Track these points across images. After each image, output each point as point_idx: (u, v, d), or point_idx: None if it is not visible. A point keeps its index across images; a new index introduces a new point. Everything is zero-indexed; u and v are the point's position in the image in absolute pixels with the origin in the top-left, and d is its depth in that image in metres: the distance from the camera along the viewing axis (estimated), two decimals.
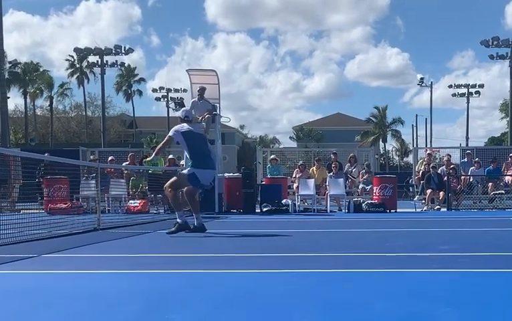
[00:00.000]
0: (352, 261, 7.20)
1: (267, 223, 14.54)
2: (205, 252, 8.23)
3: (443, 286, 5.42)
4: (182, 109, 11.59)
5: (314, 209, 19.32)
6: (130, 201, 18.57)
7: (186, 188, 10.86)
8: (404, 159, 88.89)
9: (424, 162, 22.29)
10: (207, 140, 11.46)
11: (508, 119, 57.56)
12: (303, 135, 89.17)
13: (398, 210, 19.30)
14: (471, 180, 21.27)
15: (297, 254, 7.91)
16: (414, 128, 78.84)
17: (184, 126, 10.97)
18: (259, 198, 19.75)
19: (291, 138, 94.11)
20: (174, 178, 11.19)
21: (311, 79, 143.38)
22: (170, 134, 11.11)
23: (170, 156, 21.42)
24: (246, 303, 4.71)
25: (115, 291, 5.28)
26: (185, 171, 11.19)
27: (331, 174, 20.48)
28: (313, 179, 20.22)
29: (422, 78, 69.98)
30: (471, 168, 21.77)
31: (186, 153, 11.18)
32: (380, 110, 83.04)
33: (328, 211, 19.37)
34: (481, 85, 66.46)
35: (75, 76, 79.00)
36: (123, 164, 21.33)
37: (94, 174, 13.53)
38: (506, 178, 21.51)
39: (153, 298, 4.90)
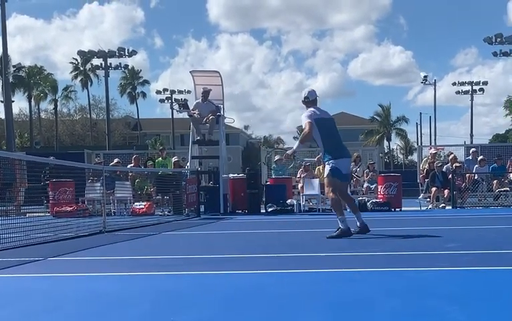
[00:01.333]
0: (359, 260, 7.20)
1: (272, 223, 14.54)
2: (212, 253, 8.23)
3: (451, 284, 5.42)
4: (308, 89, 10.09)
5: (319, 209, 19.31)
6: (136, 203, 18.60)
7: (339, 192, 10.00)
8: (409, 157, 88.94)
9: (429, 161, 22.26)
10: (335, 124, 10.23)
11: None
12: None
13: (403, 208, 19.28)
14: (476, 177, 21.23)
15: (303, 254, 7.91)
16: (418, 126, 78.80)
17: (316, 112, 9.78)
18: (263, 199, 19.77)
19: (295, 138, 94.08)
20: (327, 181, 10.12)
21: (314, 79, 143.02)
22: (309, 120, 9.66)
23: (175, 159, 21.42)
24: (254, 304, 4.71)
25: (121, 293, 5.28)
26: (327, 170, 9.92)
27: None
28: (317, 179, 20.19)
29: (425, 76, 69.77)
30: (476, 165, 21.70)
31: (320, 144, 9.86)
32: (384, 109, 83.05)
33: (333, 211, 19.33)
34: (485, 83, 66.42)
35: (79, 79, 79.29)
36: (128, 166, 21.36)
37: (102, 177, 13.54)
38: (511, 175, 21.46)
39: (160, 300, 4.91)
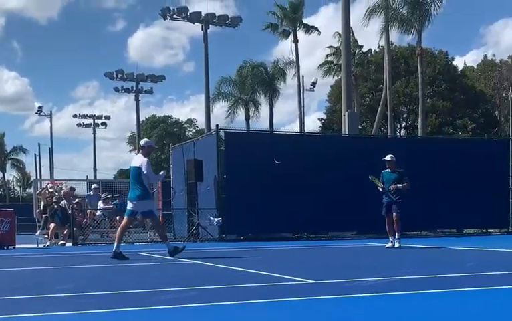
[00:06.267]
0: None
1: None
2: None
3: None
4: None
5: None
6: None
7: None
8: (27, 190, 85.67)
9: (47, 195, 20.87)
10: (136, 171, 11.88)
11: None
12: None
13: (17, 246, 17.52)
14: (99, 213, 20.71)
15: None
16: (37, 158, 75.80)
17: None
18: None
19: None
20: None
21: None
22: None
23: None
24: None
25: None
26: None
27: None
28: None
29: (40, 107, 66.92)
30: (99, 202, 21.16)
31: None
32: None
33: None
34: (107, 117, 67.12)
35: None
36: None
37: None
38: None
39: None
